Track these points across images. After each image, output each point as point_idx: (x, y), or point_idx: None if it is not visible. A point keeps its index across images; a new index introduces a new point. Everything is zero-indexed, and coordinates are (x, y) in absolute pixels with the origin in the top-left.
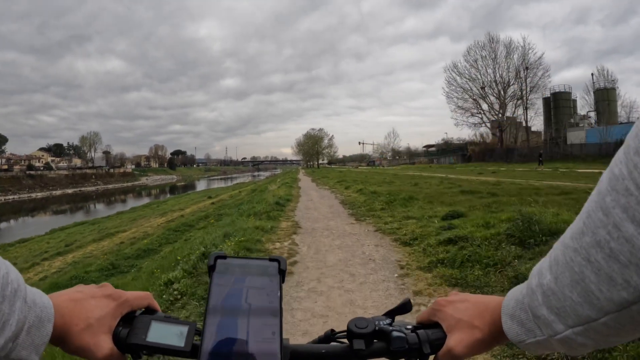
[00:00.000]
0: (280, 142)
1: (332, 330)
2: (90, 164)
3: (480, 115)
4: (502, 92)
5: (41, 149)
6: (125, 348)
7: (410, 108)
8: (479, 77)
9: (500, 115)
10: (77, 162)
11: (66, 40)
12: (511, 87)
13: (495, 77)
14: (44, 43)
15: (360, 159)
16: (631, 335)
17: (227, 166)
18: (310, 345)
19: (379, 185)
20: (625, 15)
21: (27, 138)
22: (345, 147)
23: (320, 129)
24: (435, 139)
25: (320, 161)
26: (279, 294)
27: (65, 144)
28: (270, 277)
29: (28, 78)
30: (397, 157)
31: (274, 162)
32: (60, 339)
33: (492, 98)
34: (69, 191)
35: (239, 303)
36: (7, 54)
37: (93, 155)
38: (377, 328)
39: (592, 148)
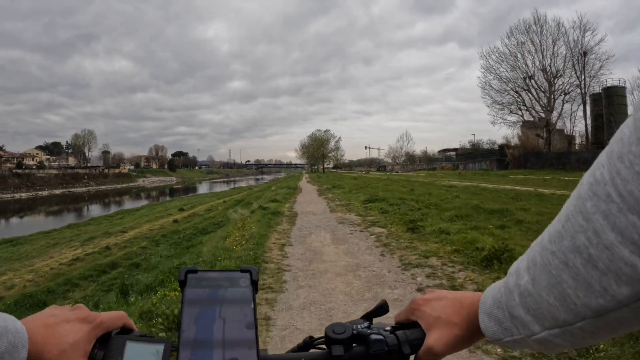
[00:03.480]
0: (285, 145)
1: (311, 337)
2: (85, 164)
3: (521, 113)
4: (550, 84)
5: (38, 147)
6: None
7: (416, 114)
8: (523, 65)
9: (548, 112)
10: (74, 161)
11: (73, 39)
12: (560, 78)
13: (543, 64)
14: (51, 42)
15: (369, 163)
16: (607, 338)
17: (230, 169)
18: (288, 354)
19: (504, 218)
20: (635, 23)
21: (34, 137)
22: (350, 151)
23: (327, 130)
24: (440, 145)
25: (325, 165)
26: (252, 305)
27: (64, 143)
28: (243, 288)
29: (35, 76)
30: (413, 162)
31: (278, 166)
32: None
33: (535, 91)
34: (57, 192)
35: (212, 318)
36: (14, 52)
37: (87, 154)
38: (355, 332)
39: None
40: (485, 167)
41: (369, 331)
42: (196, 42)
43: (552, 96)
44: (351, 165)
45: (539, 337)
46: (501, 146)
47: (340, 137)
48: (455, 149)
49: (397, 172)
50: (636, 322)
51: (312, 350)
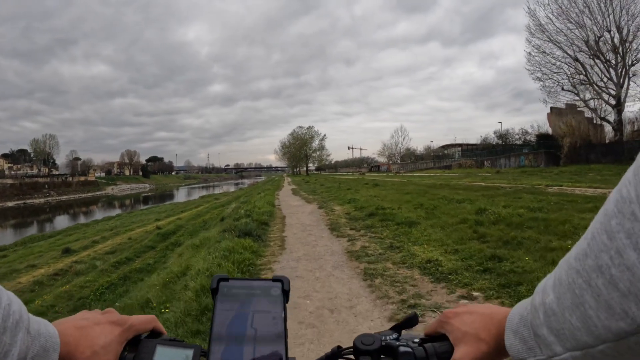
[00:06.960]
0: (265, 148)
1: (339, 347)
2: (49, 171)
3: (577, 90)
4: (616, 50)
5: (2, 155)
6: None
7: (396, 114)
8: (587, 24)
9: (618, 87)
10: (44, 170)
11: (51, 44)
12: (633, 42)
13: (609, 24)
14: (29, 47)
15: (359, 163)
16: None
17: (209, 174)
18: None
19: None
20: None
21: (11, 145)
22: (331, 153)
23: (310, 127)
24: (422, 144)
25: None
26: (283, 315)
27: (31, 150)
28: (274, 298)
29: (12, 83)
30: (414, 160)
31: (258, 169)
32: None
33: (602, 60)
34: (10, 204)
35: (243, 326)
36: None
37: (51, 161)
38: (383, 344)
39: None
40: (527, 164)
41: (397, 343)
42: (176, 45)
43: (623, 67)
44: (336, 166)
45: (561, 359)
46: (542, 136)
47: (325, 135)
48: (459, 144)
49: (397, 173)
50: None
51: None
